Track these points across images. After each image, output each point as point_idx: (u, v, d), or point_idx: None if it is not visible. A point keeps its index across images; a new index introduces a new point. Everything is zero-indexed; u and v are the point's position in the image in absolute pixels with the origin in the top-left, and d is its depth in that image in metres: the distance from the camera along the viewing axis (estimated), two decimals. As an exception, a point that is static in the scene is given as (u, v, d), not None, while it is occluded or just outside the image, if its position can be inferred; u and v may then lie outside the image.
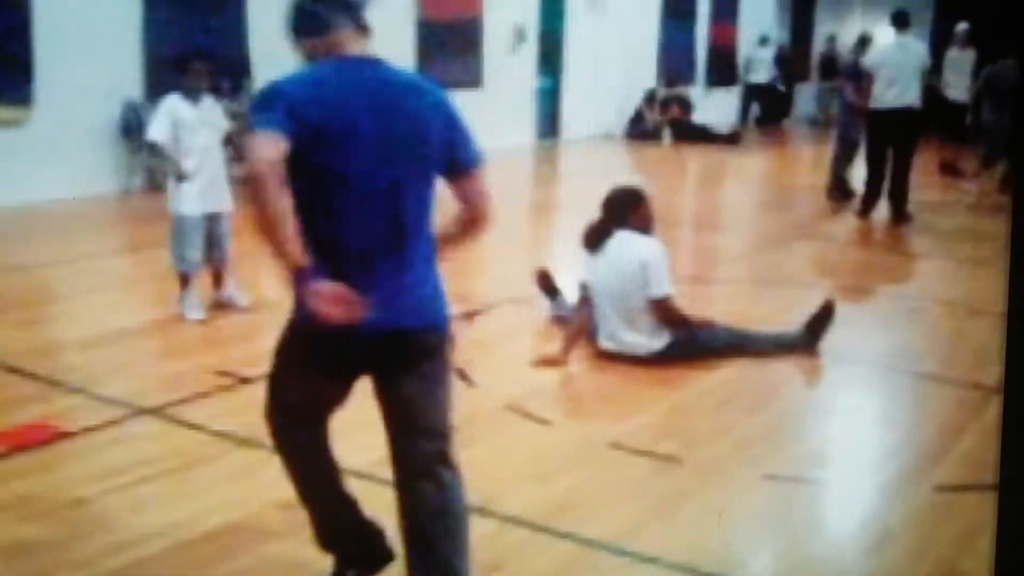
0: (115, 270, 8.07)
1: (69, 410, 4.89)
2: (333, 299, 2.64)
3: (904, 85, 10.30)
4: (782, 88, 21.73)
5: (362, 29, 2.95)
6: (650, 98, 18.55)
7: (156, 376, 5.47)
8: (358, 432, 4.48)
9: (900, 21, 10.61)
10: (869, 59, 10.93)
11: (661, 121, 18.32)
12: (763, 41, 21.45)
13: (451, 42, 14.57)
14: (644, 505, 4.08)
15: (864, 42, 12.70)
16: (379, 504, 3.98)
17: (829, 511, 4.29)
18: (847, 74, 12.01)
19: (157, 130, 6.27)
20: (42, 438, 4.52)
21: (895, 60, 10.47)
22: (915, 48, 10.53)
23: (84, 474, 4.20)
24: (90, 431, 4.62)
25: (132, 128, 10.68)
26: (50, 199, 9.92)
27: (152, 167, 10.60)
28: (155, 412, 4.85)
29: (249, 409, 3.71)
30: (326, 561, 3.34)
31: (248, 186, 2.63)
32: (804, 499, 4.26)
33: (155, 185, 10.48)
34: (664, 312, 5.66)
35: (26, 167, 9.88)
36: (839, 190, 11.96)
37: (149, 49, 10.68)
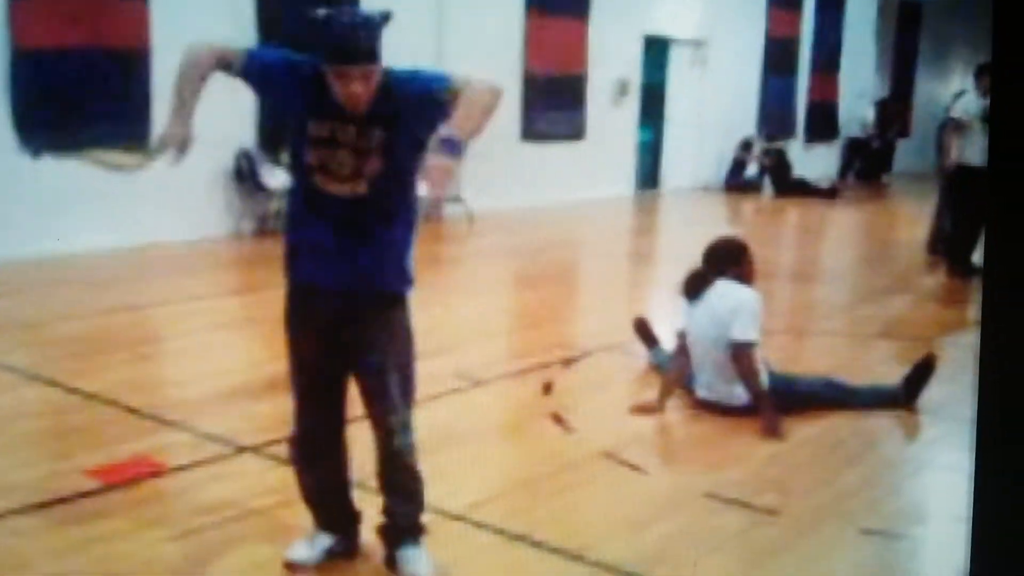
0: (223, 311, 8.27)
1: (171, 446, 5.01)
2: None
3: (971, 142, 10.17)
4: (875, 144, 21.53)
5: None
6: (745, 147, 18.53)
7: (257, 415, 5.56)
8: (454, 477, 4.57)
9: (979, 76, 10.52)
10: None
11: (763, 165, 18.32)
12: (879, 104, 21.44)
13: (555, 95, 14.73)
14: (739, 557, 4.08)
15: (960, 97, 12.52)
16: (473, 547, 4.06)
17: (926, 568, 4.25)
18: (945, 129, 11.86)
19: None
20: (142, 473, 4.63)
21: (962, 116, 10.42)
22: (970, 102, 10.28)
23: (182, 510, 4.29)
24: (191, 467, 4.73)
25: (244, 174, 10.98)
26: (163, 241, 10.24)
27: (265, 212, 10.92)
28: (255, 450, 4.95)
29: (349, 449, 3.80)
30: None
31: None
32: (901, 555, 4.22)
33: (265, 229, 10.77)
34: (740, 359, 5.53)
35: (142, 209, 10.19)
36: (940, 244, 11.80)
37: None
